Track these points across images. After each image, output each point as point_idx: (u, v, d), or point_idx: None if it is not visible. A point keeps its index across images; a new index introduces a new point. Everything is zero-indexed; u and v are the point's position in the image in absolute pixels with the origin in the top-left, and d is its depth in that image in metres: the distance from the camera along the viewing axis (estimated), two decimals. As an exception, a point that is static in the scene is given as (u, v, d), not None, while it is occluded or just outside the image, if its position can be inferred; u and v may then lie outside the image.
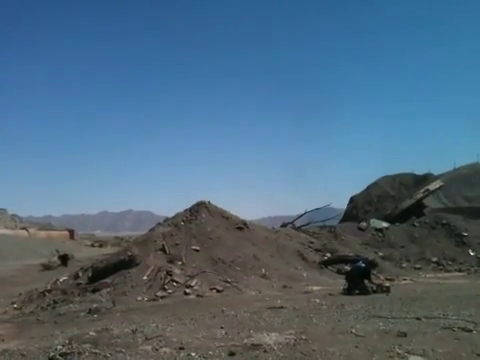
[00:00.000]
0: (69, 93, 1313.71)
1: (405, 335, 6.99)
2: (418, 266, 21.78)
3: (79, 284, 15.65)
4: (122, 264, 15.48)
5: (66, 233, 62.90)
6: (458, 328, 7.42)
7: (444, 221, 26.12)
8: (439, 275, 19.59)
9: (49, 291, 15.63)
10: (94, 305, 12.41)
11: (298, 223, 27.83)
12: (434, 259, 22.66)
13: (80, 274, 16.78)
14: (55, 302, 14.12)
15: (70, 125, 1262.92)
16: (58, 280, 16.99)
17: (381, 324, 7.99)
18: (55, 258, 28.64)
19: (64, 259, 28.00)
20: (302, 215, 29.49)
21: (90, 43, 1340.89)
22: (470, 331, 7.25)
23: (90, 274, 15.97)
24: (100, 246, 53.65)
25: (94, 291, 14.29)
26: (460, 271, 20.67)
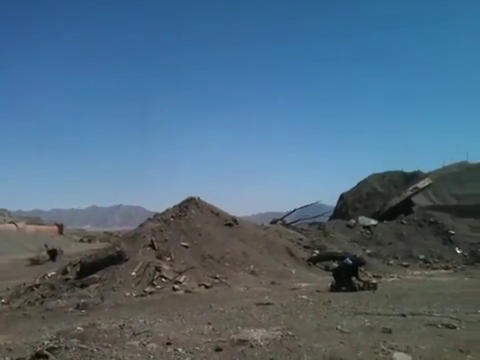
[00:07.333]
0: (60, 88, 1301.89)
1: (390, 332, 7.09)
2: (405, 263, 22.00)
3: (67, 279, 15.59)
4: (111, 259, 15.44)
5: (55, 228, 62.58)
6: (442, 325, 7.53)
7: (432, 219, 26.41)
8: (426, 272, 19.78)
9: (37, 286, 15.57)
10: (82, 300, 12.39)
11: (288, 220, 27.96)
12: (421, 256, 22.93)
13: (68, 269, 16.72)
14: (43, 297, 14.07)
15: (60, 120, 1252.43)
16: (46, 275, 16.94)
17: (366, 321, 8.08)
18: (44, 253, 28.60)
19: (53, 254, 27.96)
20: (292, 212, 29.64)
21: (81, 38, 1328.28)
22: (454, 328, 7.36)
23: (78, 269, 15.91)
24: (89, 241, 53.64)
25: (82, 286, 14.25)
26: (447, 268, 20.89)
